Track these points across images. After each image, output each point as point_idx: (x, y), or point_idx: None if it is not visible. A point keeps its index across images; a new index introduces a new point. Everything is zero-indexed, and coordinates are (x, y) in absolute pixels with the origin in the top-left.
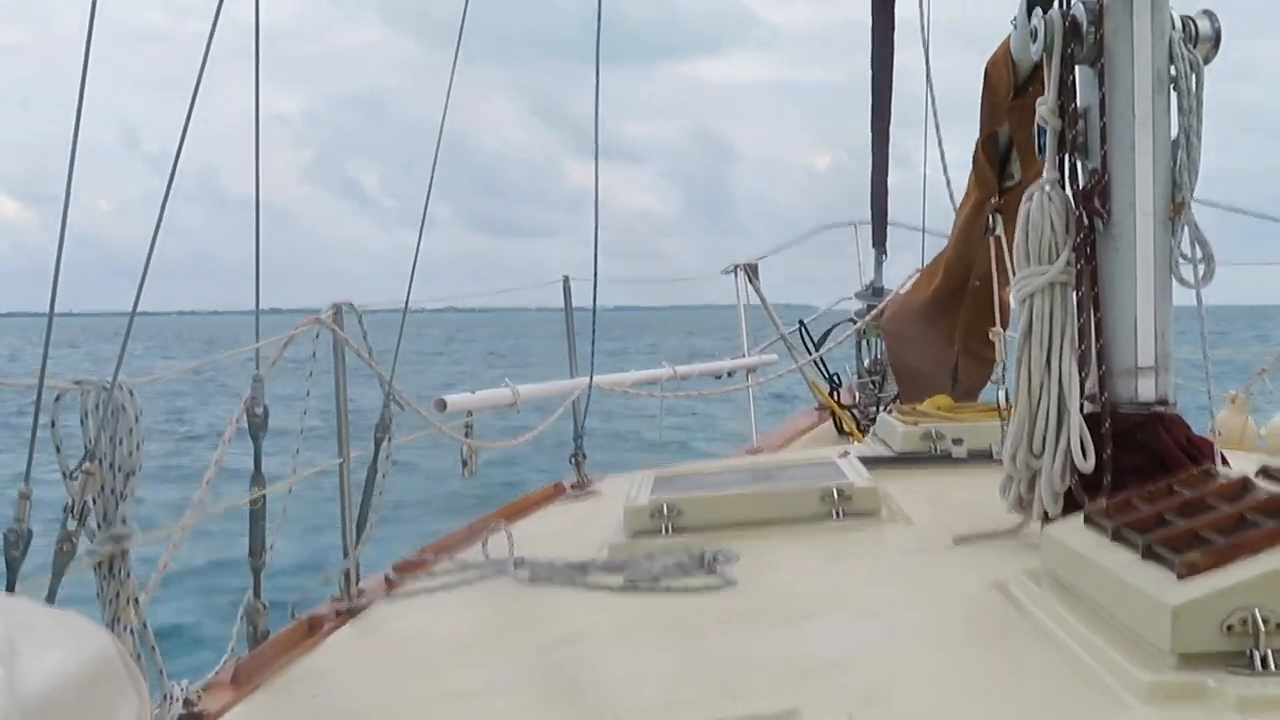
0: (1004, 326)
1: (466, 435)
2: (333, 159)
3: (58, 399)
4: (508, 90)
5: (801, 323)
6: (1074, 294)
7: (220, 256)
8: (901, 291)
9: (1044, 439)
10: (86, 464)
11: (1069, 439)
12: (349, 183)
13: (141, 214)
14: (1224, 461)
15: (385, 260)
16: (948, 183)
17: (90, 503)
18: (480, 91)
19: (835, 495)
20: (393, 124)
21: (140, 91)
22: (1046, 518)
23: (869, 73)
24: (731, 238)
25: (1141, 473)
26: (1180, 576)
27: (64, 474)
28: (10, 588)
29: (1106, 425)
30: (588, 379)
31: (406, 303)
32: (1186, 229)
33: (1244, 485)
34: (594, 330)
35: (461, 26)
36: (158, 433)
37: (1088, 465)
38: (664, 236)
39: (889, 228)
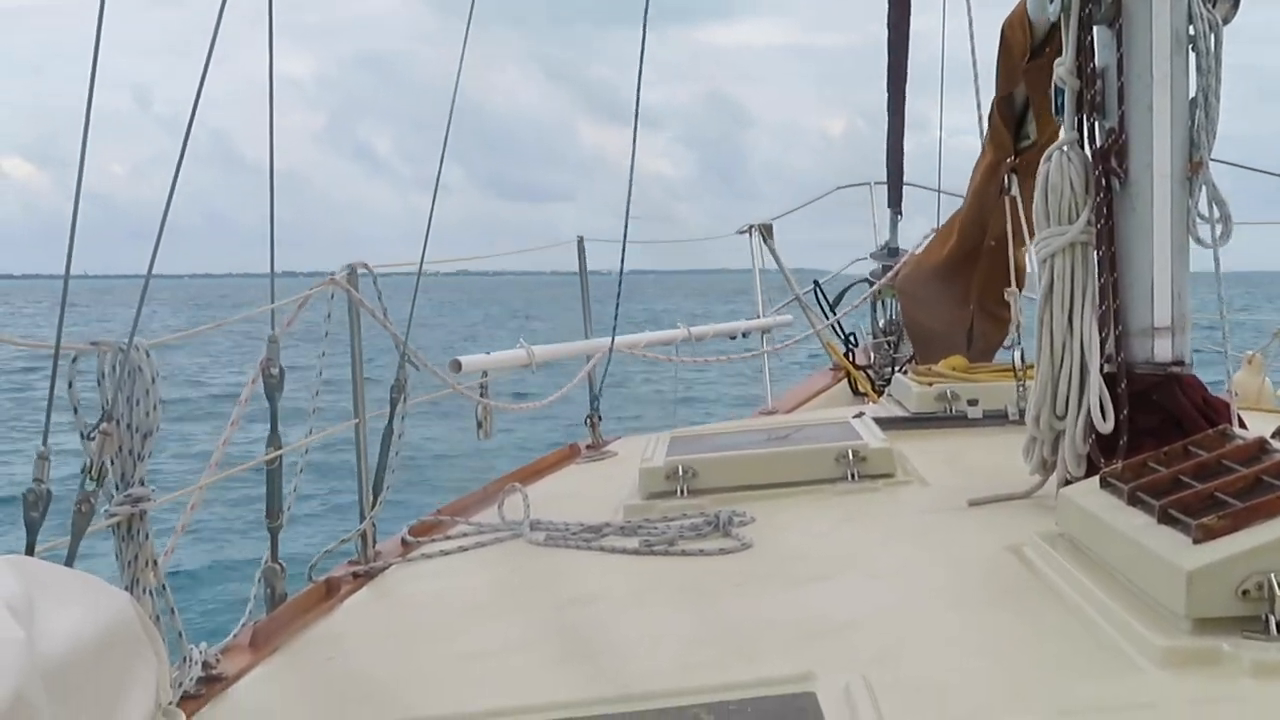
0: (1019, 287)
1: (482, 396)
2: (346, 122)
3: (74, 360)
4: (519, 52)
5: (816, 283)
6: (1095, 254)
7: (234, 219)
8: (917, 252)
9: (1067, 400)
10: (104, 424)
11: (1089, 400)
12: (361, 145)
13: (155, 176)
14: (1240, 423)
15: (399, 224)
16: (981, 132)
17: (108, 464)
18: (492, 54)
19: (850, 456)
20: (405, 86)
21: (153, 54)
22: (1069, 479)
23: (884, 36)
24: (745, 202)
25: (1158, 433)
26: (1196, 541)
27: (81, 435)
28: (30, 549)
29: (1123, 386)
30: (604, 340)
31: (421, 263)
32: (1204, 189)
33: (1260, 447)
34: (619, 290)
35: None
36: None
37: (1107, 427)
38: (677, 200)
39: (905, 188)
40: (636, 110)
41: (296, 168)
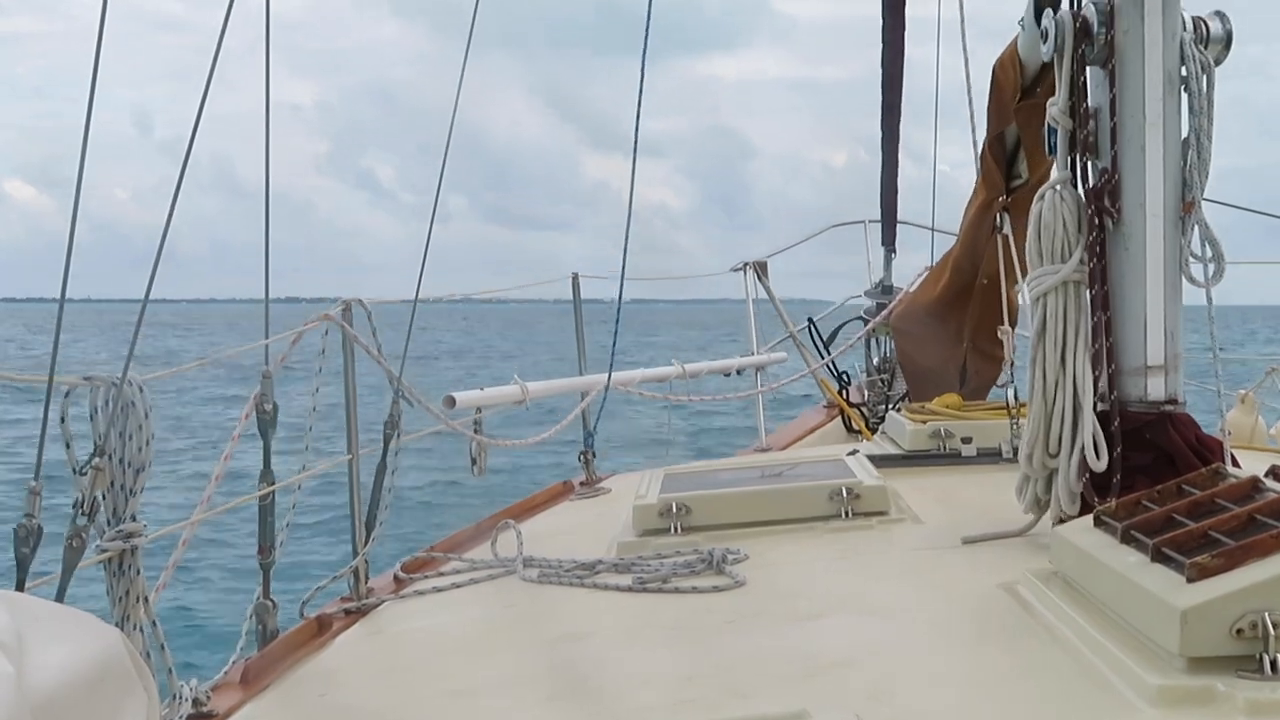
0: (1012, 325)
1: (476, 433)
2: (349, 150)
3: (67, 394)
4: (520, 82)
5: (811, 320)
6: (1087, 293)
7: (236, 245)
8: (911, 290)
9: (1060, 439)
10: (96, 460)
11: (1083, 439)
12: (364, 173)
13: (157, 202)
14: (1234, 461)
15: (401, 250)
16: (978, 165)
17: (100, 499)
18: (493, 83)
19: (844, 494)
20: (407, 116)
21: (157, 80)
22: (1063, 518)
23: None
24: (747, 233)
25: (1151, 472)
26: (1189, 579)
27: (73, 470)
28: (20, 585)
29: (1116, 424)
30: (599, 377)
31: (416, 297)
32: (1197, 228)
33: (1254, 486)
34: (616, 328)
35: (473, 21)
36: None
37: (1101, 465)
38: (679, 231)
39: (899, 226)
40: (634, 155)
41: (299, 194)
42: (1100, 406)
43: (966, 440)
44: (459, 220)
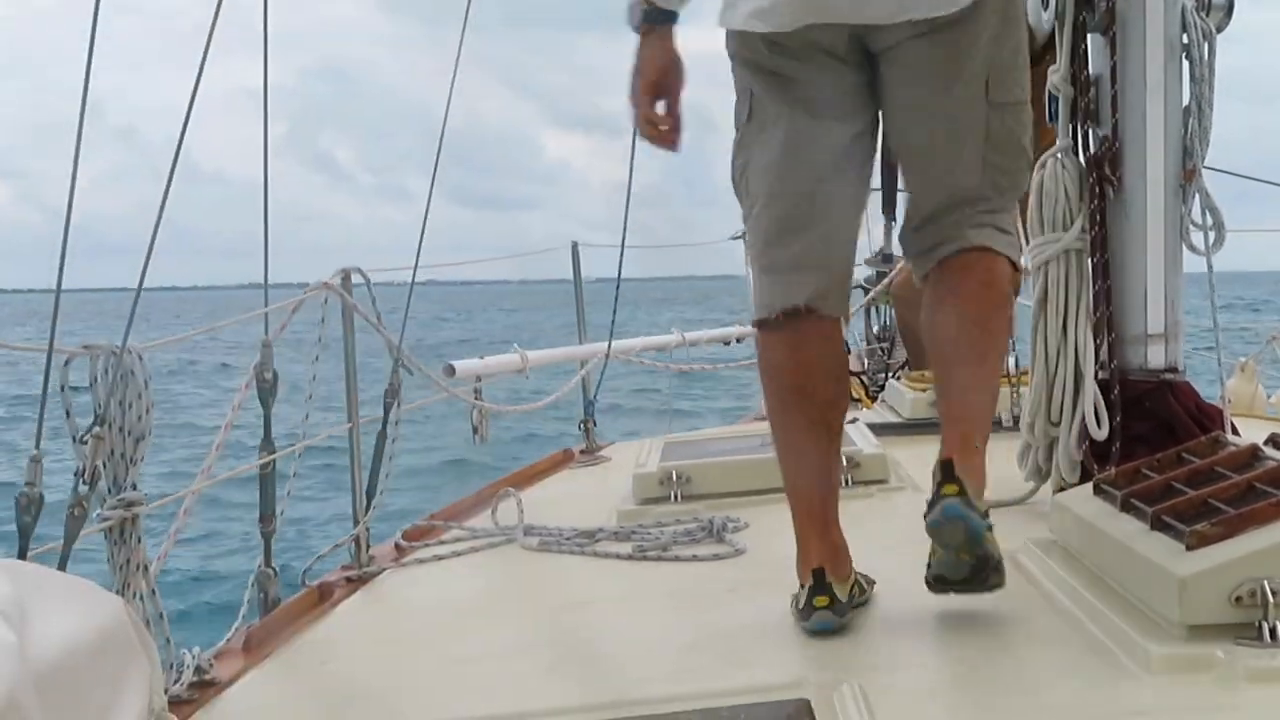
0: (1015, 293)
1: (477, 399)
2: (306, 131)
3: (66, 363)
4: (476, 60)
5: None
6: (1089, 260)
7: (196, 231)
8: None
9: (1061, 407)
10: (96, 428)
11: (1084, 407)
12: (322, 154)
13: (112, 188)
14: (1234, 429)
15: (363, 233)
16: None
17: (100, 467)
18: (446, 61)
19: (844, 463)
20: (363, 93)
21: (108, 64)
22: (1064, 486)
23: None
24: (709, 209)
25: (1151, 440)
26: (1189, 547)
27: (73, 438)
28: (22, 554)
29: (1116, 392)
30: (599, 345)
31: (415, 269)
32: (1197, 196)
33: (1253, 454)
34: (616, 297)
35: (465, 18)
36: None
37: (1102, 434)
38: (641, 208)
39: (899, 195)
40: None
41: (258, 177)
42: (1100, 375)
43: None
44: (421, 201)
